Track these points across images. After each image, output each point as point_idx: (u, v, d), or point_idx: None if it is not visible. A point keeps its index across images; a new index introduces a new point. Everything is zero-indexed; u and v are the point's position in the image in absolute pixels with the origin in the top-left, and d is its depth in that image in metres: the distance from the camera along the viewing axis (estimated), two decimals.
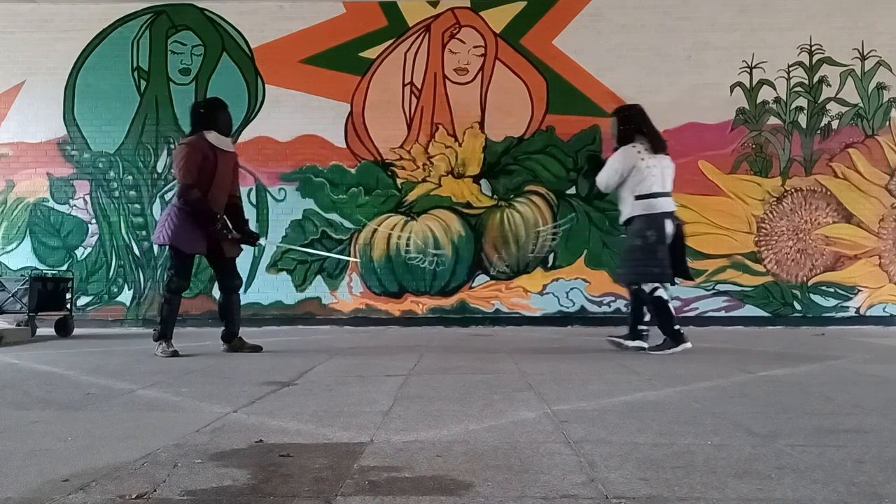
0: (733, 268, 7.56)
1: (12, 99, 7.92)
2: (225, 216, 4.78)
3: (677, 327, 4.66)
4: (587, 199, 7.64)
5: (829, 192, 7.60)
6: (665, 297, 4.66)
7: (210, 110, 4.74)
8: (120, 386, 3.27)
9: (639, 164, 4.65)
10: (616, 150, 4.84)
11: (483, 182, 7.71)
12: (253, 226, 7.65)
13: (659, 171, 4.68)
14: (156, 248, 7.72)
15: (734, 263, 7.56)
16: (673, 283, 4.82)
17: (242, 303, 7.36)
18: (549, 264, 7.65)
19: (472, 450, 1.98)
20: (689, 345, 4.62)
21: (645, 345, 4.70)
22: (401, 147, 7.75)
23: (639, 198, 4.65)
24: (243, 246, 5.05)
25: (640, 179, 4.64)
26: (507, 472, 1.76)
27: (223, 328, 4.95)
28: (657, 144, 4.75)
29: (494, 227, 7.68)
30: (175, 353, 4.55)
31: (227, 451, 1.98)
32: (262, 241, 5.00)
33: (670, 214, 4.69)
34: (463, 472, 1.76)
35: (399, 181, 7.73)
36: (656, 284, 4.63)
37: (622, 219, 4.83)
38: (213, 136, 4.68)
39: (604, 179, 4.80)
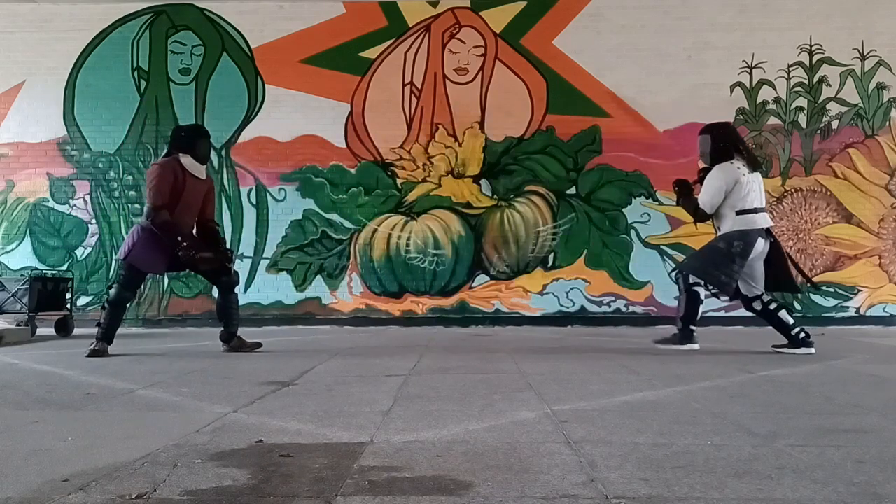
0: None
1: (12, 99, 7.92)
2: (194, 236, 4.80)
3: (693, 328, 4.70)
4: (587, 199, 7.64)
5: (829, 192, 7.60)
6: (702, 295, 4.69)
7: (191, 135, 4.78)
8: (120, 386, 3.27)
9: (741, 178, 4.59)
10: (703, 168, 4.79)
11: (483, 182, 7.71)
12: (253, 225, 7.71)
13: (758, 187, 4.67)
14: None
15: None
16: (732, 299, 4.88)
17: (242, 303, 7.38)
18: (549, 264, 7.65)
19: (472, 450, 1.98)
20: (696, 346, 4.67)
21: (812, 350, 4.61)
22: (401, 147, 7.75)
23: (740, 213, 4.61)
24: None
25: (742, 195, 4.59)
26: (507, 472, 1.75)
27: (222, 329, 4.95)
28: (754, 162, 4.72)
29: (494, 227, 7.68)
30: (100, 354, 4.50)
31: (227, 451, 1.98)
32: (231, 257, 4.99)
33: (767, 231, 4.67)
34: (463, 472, 1.76)
35: (399, 181, 7.73)
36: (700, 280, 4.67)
37: (721, 234, 4.72)
38: (187, 161, 4.70)
39: (708, 199, 4.68)
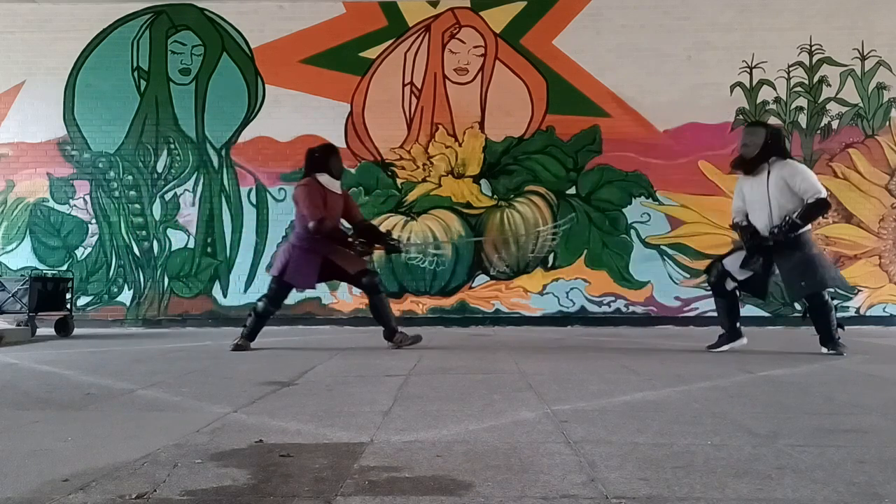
0: None
1: (12, 99, 7.92)
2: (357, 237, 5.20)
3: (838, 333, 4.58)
4: (587, 199, 7.63)
5: (829, 193, 7.58)
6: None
7: (323, 154, 5.07)
8: (120, 386, 3.27)
9: None
10: (747, 160, 4.76)
11: (483, 182, 7.71)
12: (253, 226, 7.72)
13: None
14: (156, 247, 7.74)
15: None
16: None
17: (242, 303, 7.45)
18: (549, 264, 7.65)
19: (472, 450, 1.98)
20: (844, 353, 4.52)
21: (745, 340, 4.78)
22: (401, 147, 7.75)
23: None
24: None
25: None
26: (507, 472, 1.76)
27: (383, 329, 5.15)
28: None
29: (494, 227, 7.68)
30: (243, 349, 4.95)
31: (227, 451, 1.98)
32: (401, 245, 5.49)
33: None
34: (463, 472, 1.76)
35: (399, 181, 7.73)
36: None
37: (795, 232, 4.62)
38: (324, 179, 5.00)
39: (820, 185, 4.81)
